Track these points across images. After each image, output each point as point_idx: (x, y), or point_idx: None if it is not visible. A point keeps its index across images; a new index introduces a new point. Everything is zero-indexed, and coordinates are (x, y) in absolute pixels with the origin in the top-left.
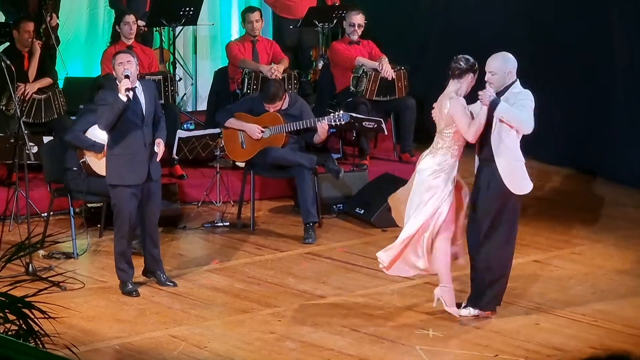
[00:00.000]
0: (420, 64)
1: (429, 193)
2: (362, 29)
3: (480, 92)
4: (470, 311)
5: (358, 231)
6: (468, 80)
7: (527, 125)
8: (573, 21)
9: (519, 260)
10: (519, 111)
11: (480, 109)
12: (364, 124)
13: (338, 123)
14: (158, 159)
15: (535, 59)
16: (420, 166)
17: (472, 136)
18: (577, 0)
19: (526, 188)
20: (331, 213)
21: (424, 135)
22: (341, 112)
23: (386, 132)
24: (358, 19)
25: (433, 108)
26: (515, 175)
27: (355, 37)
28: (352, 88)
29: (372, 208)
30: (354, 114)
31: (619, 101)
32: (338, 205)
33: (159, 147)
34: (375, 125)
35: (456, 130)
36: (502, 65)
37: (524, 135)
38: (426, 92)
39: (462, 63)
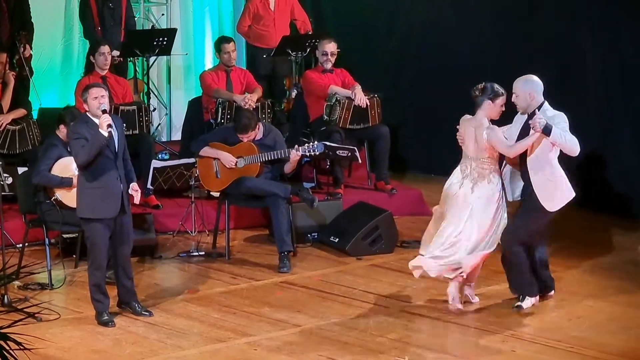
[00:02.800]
0: (394, 91)
1: (491, 210)
2: (335, 57)
3: (530, 121)
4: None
5: (333, 260)
6: (490, 106)
7: (576, 147)
8: (545, 49)
9: (495, 287)
10: (569, 136)
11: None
12: (337, 152)
13: (312, 153)
14: (137, 201)
15: (507, 85)
16: (472, 197)
17: (513, 156)
18: (551, 29)
19: (558, 205)
20: (306, 242)
21: (398, 163)
22: (315, 142)
23: (360, 161)
24: (331, 47)
25: (458, 131)
26: (548, 190)
27: (328, 66)
28: (325, 117)
29: (347, 237)
30: (327, 143)
31: (591, 127)
32: (313, 234)
33: (136, 193)
34: (349, 154)
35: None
36: (522, 87)
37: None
38: (400, 120)
39: (476, 91)
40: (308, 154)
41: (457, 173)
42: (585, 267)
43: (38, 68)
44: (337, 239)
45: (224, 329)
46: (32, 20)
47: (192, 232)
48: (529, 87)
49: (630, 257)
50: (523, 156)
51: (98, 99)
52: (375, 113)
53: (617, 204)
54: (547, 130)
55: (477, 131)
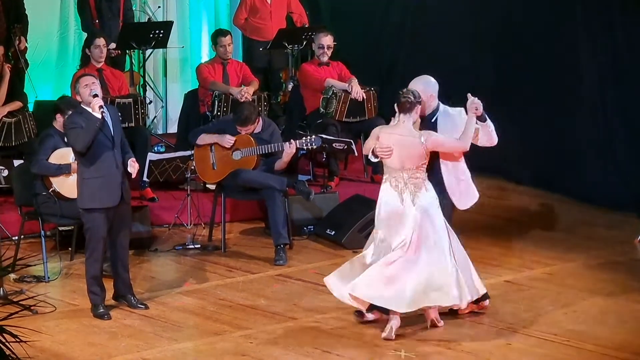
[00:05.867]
0: (389, 84)
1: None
2: (332, 50)
3: (476, 100)
4: None
5: (329, 252)
6: (417, 112)
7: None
8: (539, 44)
9: (491, 281)
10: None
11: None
12: (333, 145)
13: (309, 147)
14: (134, 176)
15: (501, 79)
16: (422, 204)
17: (468, 145)
18: (542, 25)
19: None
20: (302, 235)
21: None
22: (313, 136)
23: (356, 154)
24: (327, 40)
25: (380, 144)
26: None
27: (324, 59)
28: (321, 109)
29: (343, 229)
30: (323, 136)
31: (585, 122)
32: (309, 227)
33: (134, 166)
34: (345, 147)
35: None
36: (424, 89)
37: (495, 155)
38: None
39: (411, 97)
40: (305, 147)
41: (388, 190)
42: (581, 260)
43: (34, 61)
44: (334, 232)
45: (219, 322)
46: (26, 12)
47: (188, 225)
48: (431, 89)
49: (626, 251)
50: (436, 155)
51: (89, 86)
52: (371, 106)
53: (612, 197)
54: (483, 118)
55: (409, 140)
